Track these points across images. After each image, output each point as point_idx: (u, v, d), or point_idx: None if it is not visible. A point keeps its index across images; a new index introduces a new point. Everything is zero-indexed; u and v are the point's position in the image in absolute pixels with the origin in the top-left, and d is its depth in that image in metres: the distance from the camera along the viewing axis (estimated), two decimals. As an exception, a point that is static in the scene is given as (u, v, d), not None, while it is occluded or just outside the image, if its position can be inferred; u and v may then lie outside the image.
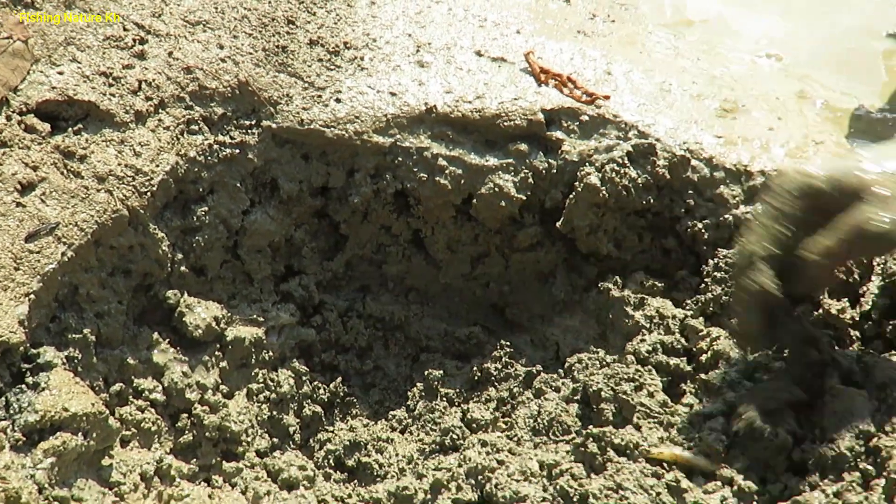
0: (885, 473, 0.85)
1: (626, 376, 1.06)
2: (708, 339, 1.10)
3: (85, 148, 1.08)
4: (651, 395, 1.04)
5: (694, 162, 1.20)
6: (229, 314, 1.18)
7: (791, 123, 1.29)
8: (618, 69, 1.35)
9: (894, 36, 1.57)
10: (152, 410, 1.07)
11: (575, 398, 1.11)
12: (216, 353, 1.15)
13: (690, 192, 1.21)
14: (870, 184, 0.91)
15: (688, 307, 1.17)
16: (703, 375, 1.05)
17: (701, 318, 1.14)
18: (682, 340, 1.12)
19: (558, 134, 1.24)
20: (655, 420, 1.01)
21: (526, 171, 1.23)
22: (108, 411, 0.96)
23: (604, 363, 1.14)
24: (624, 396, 1.03)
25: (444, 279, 1.32)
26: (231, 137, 1.19)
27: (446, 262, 1.30)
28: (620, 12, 1.52)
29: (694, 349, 1.11)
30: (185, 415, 1.10)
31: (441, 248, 1.29)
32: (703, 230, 1.20)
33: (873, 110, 1.40)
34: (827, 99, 1.39)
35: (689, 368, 1.08)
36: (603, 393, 1.05)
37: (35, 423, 0.89)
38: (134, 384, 1.08)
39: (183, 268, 1.16)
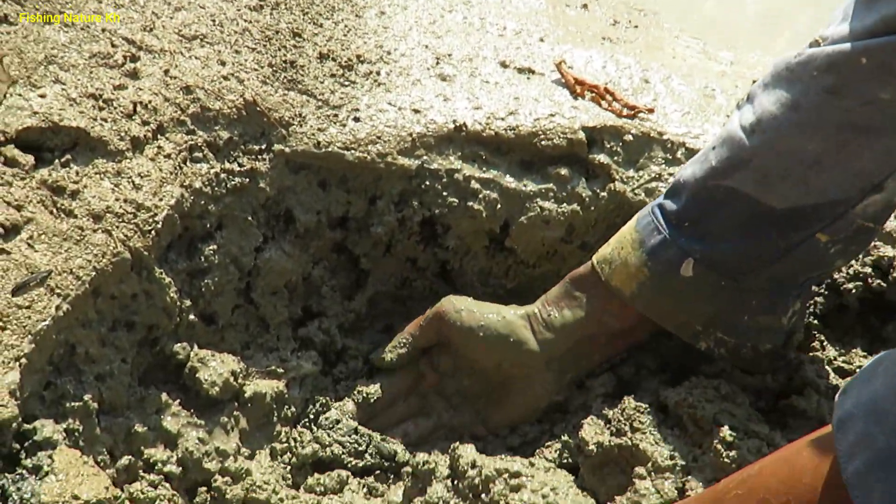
0: None
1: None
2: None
3: (76, 182, 0.92)
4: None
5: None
6: (245, 367, 1.04)
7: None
8: (655, 76, 1.24)
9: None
10: (167, 485, 0.92)
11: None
12: (234, 412, 1.00)
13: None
14: None
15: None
16: None
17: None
18: None
19: (602, 157, 1.12)
20: None
21: (568, 198, 1.11)
22: (123, 495, 0.81)
23: None
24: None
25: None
26: (239, 164, 1.05)
27: (474, 297, 1.17)
28: (641, 18, 1.42)
29: None
30: (202, 488, 0.94)
31: (470, 283, 1.16)
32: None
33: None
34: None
35: None
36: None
37: (42, 519, 0.73)
38: (144, 455, 0.92)
39: (191, 316, 1.01)
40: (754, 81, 0.91)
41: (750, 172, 0.88)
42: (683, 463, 0.86)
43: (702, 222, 0.92)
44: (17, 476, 0.76)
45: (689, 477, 0.86)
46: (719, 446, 0.85)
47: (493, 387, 1.06)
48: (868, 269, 1.02)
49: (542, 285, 1.17)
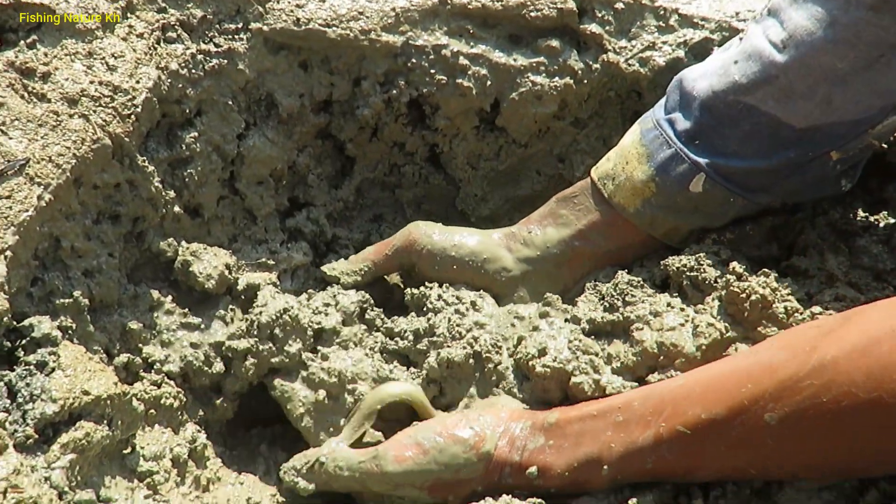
0: None
1: None
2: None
3: (46, 63, 0.85)
4: None
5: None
6: (235, 260, 0.99)
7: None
8: (638, -54, 1.19)
9: None
10: (171, 383, 0.88)
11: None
12: (230, 306, 0.96)
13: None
14: None
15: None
16: None
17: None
18: None
19: (593, 27, 1.07)
20: None
21: (560, 72, 1.06)
22: (131, 391, 0.77)
23: None
24: None
25: (462, 205, 1.15)
26: (216, 45, 0.98)
27: (465, 181, 1.13)
28: None
29: None
30: (206, 379, 0.91)
31: (460, 166, 1.12)
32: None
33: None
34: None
35: None
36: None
37: (54, 414, 0.68)
38: (143, 354, 0.88)
39: (176, 209, 0.95)
40: None
41: (774, 90, 0.86)
42: (682, 321, 0.85)
43: (716, 138, 0.89)
44: (25, 371, 0.71)
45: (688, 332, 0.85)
46: (730, 276, 0.85)
47: None
48: None
49: (534, 166, 1.15)
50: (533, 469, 0.78)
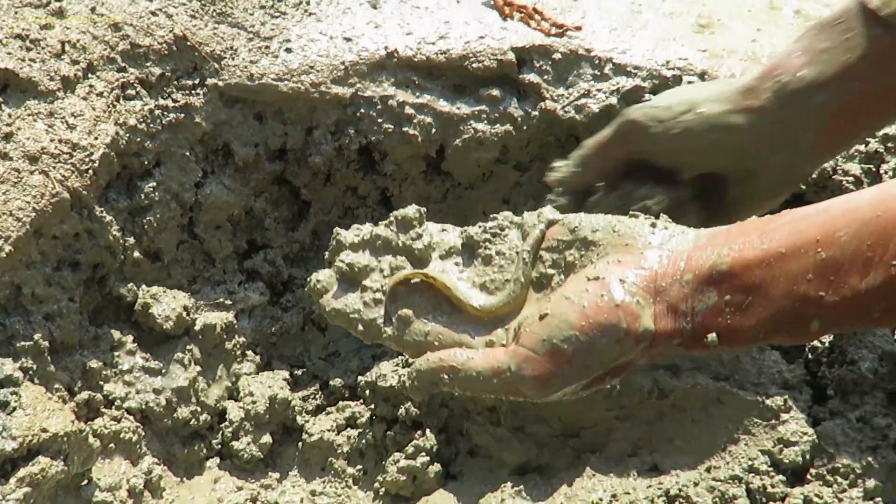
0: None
1: None
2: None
3: (9, 125, 0.91)
4: None
5: (686, 78, 1.12)
6: (194, 301, 1.05)
7: (769, 34, 1.23)
8: (581, -4, 1.26)
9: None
10: (130, 418, 0.94)
11: None
12: (188, 346, 1.01)
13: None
14: None
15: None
16: None
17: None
18: None
19: (532, 77, 1.14)
20: None
21: (501, 119, 1.13)
22: (87, 428, 0.83)
23: None
24: None
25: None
26: (173, 100, 1.05)
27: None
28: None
29: None
30: (168, 420, 0.97)
31: (410, 207, 1.18)
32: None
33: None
34: (800, 8, 1.32)
35: None
36: None
37: (13, 451, 0.74)
38: (104, 391, 0.94)
39: (136, 254, 1.01)
40: None
41: None
42: None
43: None
44: (-12, 412, 0.77)
45: None
46: None
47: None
48: None
49: (480, 207, 1.21)
50: (713, 336, 0.64)
